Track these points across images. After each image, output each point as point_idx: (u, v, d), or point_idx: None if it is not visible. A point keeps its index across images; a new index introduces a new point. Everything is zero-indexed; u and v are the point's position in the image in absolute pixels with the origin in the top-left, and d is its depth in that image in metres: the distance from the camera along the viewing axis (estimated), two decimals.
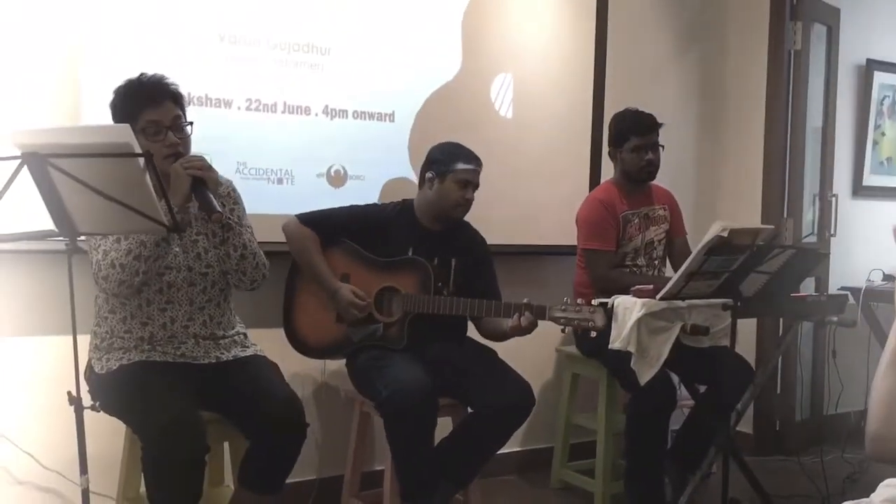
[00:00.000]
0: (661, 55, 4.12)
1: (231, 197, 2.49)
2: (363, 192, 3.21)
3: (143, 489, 2.32)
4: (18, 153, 1.81)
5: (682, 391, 3.35)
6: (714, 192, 4.32)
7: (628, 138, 3.29)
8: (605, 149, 3.47)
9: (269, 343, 2.71)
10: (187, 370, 2.35)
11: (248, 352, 2.50)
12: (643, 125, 3.29)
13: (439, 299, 2.75)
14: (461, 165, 2.83)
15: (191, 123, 2.35)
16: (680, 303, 2.85)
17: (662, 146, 3.34)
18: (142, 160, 1.84)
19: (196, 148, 2.38)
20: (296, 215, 2.87)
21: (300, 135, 3.10)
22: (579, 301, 2.58)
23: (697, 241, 2.67)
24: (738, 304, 2.78)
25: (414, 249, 2.83)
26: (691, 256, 2.64)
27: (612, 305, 2.86)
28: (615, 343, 2.89)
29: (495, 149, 3.48)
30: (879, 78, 4.59)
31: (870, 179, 4.65)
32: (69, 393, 2.01)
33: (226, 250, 2.37)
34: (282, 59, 3.05)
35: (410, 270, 2.81)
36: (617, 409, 3.39)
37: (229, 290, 2.49)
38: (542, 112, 3.67)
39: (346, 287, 2.80)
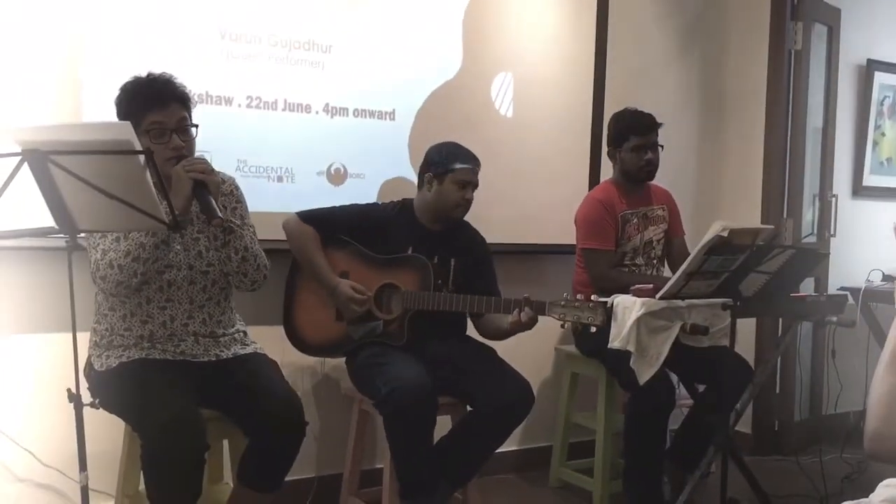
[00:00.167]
0: (662, 55, 4.12)
1: (233, 195, 2.49)
2: (363, 191, 3.21)
3: (142, 486, 2.32)
4: (19, 150, 1.81)
5: (682, 391, 3.35)
6: (714, 191, 4.32)
7: (628, 138, 3.30)
8: (605, 148, 3.48)
9: (269, 341, 2.71)
10: (187, 368, 2.35)
11: (248, 349, 2.50)
12: (643, 125, 3.30)
13: (439, 296, 2.75)
14: (459, 166, 2.83)
15: (196, 126, 2.35)
16: (679, 302, 2.85)
17: (661, 146, 3.34)
18: (142, 158, 1.84)
19: (196, 145, 2.38)
20: (296, 213, 2.87)
21: (300, 133, 3.10)
22: (579, 297, 2.58)
23: (698, 241, 2.67)
24: (738, 303, 2.79)
25: (413, 249, 2.83)
26: (691, 256, 2.65)
27: (612, 304, 2.87)
28: (614, 342, 2.89)
29: (495, 148, 3.48)
30: (880, 78, 4.59)
31: (870, 180, 4.65)
32: (69, 390, 2.01)
33: (227, 253, 2.36)
34: (282, 56, 3.05)
35: (410, 268, 2.81)
36: (616, 409, 3.39)
37: (230, 288, 2.49)
38: (543, 111, 3.67)
39: (345, 283, 2.80)
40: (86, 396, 2.07)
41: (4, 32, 2.59)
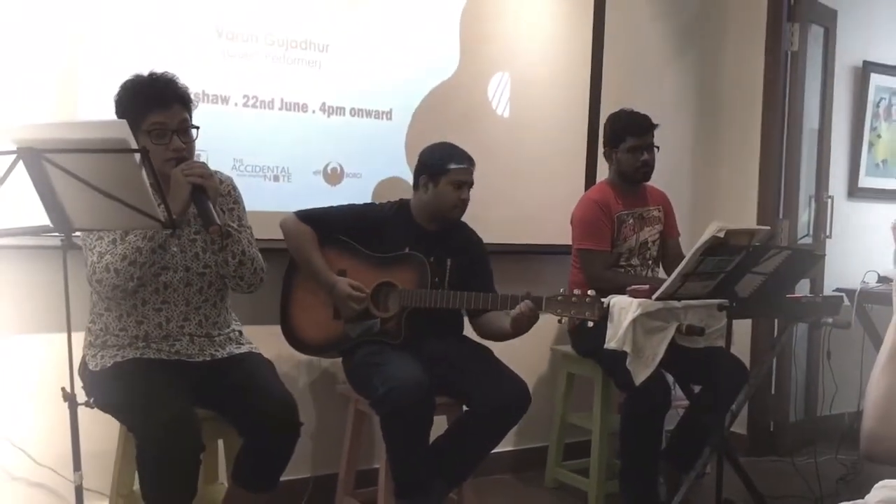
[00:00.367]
0: (658, 56, 4.12)
1: (231, 196, 2.48)
2: (360, 190, 3.21)
3: (136, 486, 2.31)
4: (14, 148, 1.81)
5: (677, 391, 3.35)
6: (710, 192, 4.32)
7: (624, 139, 3.30)
8: (601, 149, 3.48)
9: (265, 340, 2.71)
10: (182, 368, 2.34)
11: (243, 349, 2.49)
12: (639, 126, 3.30)
13: (436, 293, 2.75)
14: (454, 166, 2.83)
15: (197, 128, 2.34)
16: (676, 303, 2.86)
17: (657, 147, 3.34)
18: (138, 156, 1.83)
19: (195, 150, 2.37)
20: (294, 212, 2.87)
21: (297, 132, 3.09)
22: (576, 292, 2.59)
23: (694, 242, 2.67)
24: (734, 304, 2.79)
25: (410, 249, 2.83)
26: (688, 257, 2.65)
27: (609, 305, 2.87)
28: (611, 343, 2.89)
29: (492, 148, 3.48)
30: (876, 80, 4.60)
31: (865, 181, 4.66)
32: (63, 389, 2.01)
33: (224, 257, 2.35)
34: (280, 55, 3.04)
35: (407, 266, 2.81)
36: (612, 409, 3.39)
37: (226, 289, 2.48)
38: (539, 111, 3.67)
39: (343, 281, 2.80)
40: (80, 396, 2.07)
41: (4, 32, 2.58)
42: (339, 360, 2.95)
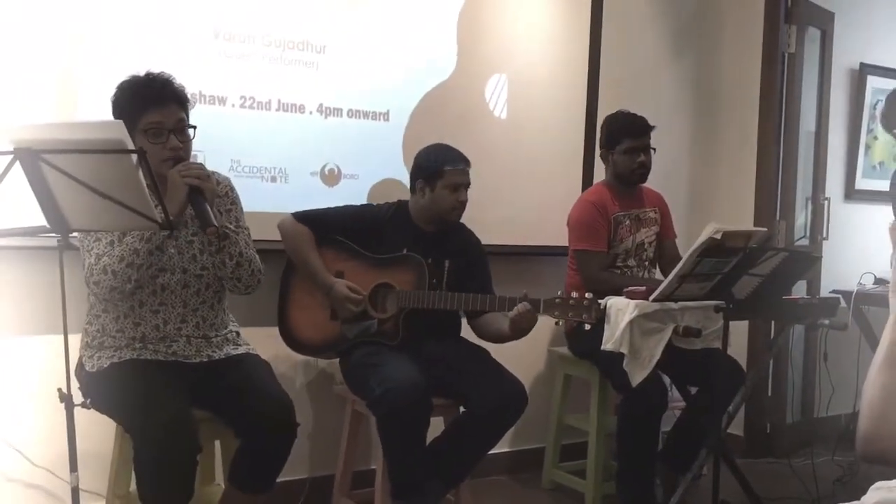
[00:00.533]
0: (656, 57, 4.12)
1: (228, 197, 2.47)
2: (357, 191, 3.21)
3: (133, 487, 2.31)
4: (11, 148, 1.80)
5: (674, 393, 3.36)
6: (707, 194, 4.32)
7: (620, 140, 3.30)
8: (598, 150, 3.48)
9: (262, 342, 2.70)
10: (179, 369, 2.34)
11: (240, 350, 2.49)
12: (636, 127, 3.30)
13: (434, 294, 2.75)
14: (449, 168, 2.82)
15: (194, 127, 2.33)
16: (672, 304, 2.86)
17: (654, 149, 3.35)
18: (135, 157, 1.83)
19: (192, 150, 2.37)
20: (291, 213, 2.87)
21: (294, 133, 3.09)
22: (573, 294, 2.59)
23: (691, 244, 2.67)
24: (731, 306, 2.79)
25: (408, 250, 2.83)
26: (684, 258, 2.65)
27: (605, 306, 2.87)
28: (607, 344, 2.90)
29: (489, 149, 3.48)
30: (872, 82, 4.61)
31: (862, 183, 4.66)
32: (60, 390, 2.00)
33: (221, 259, 2.35)
34: (277, 56, 3.04)
35: (405, 267, 2.81)
36: (609, 411, 3.39)
37: (223, 291, 2.48)
38: (537, 113, 3.67)
39: (341, 282, 2.80)
40: (77, 397, 2.06)
41: (4, 32, 2.58)
42: (337, 360, 2.94)
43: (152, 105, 2.25)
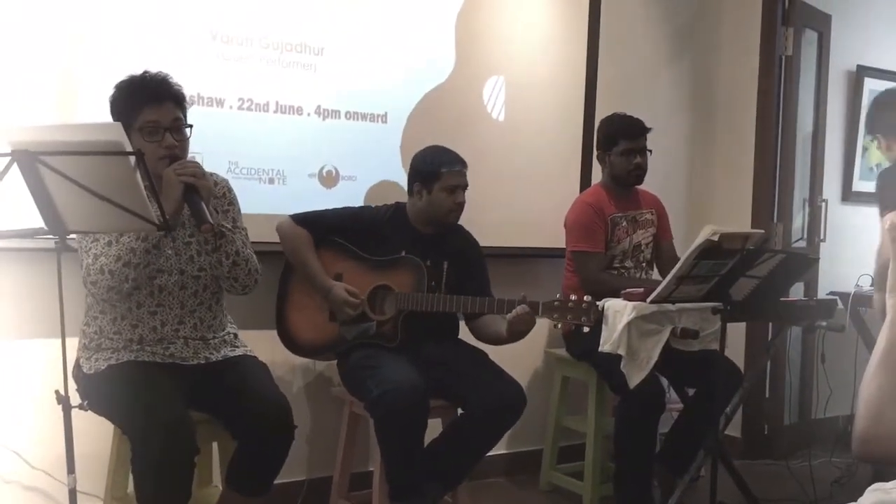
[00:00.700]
0: (653, 60, 4.13)
1: (226, 198, 2.47)
2: (355, 193, 3.21)
3: (130, 489, 2.31)
4: (9, 150, 1.80)
5: (672, 394, 3.36)
6: (705, 196, 4.33)
7: (617, 142, 3.31)
8: (595, 152, 3.49)
9: (260, 345, 2.70)
10: (176, 370, 2.33)
11: (238, 352, 2.48)
12: (632, 129, 3.31)
13: (432, 296, 2.75)
14: (445, 170, 2.82)
15: (190, 126, 2.33)
16: (670, 306, 2.86)
17: (650, 150, 3.36)
18: (132, 159, 1.83)
19: (189, 146, 2.37)
20: (290, 216, 2.87)
21: (292, 135, 3.09)
22: (572, 297, 2.59)
23: (688, 246, 2.68)
24: (728, 308, 2.79)
25: (406, 252, 2.83)
26: (682, 260, 2.65)
27: (603, 308, 2.87)
28: (605, 346, 2.90)
29: (487, 151, 3.49)
30: (870, 84, 4.61)
31: (859, 185, 4.67)
32: (57, 392, 2.00)
33: (217, 257, 2.35)
34: (274, 58, 3.04)
35: (404, 269, 2.81)
36: (606, 412, 3.39)
37: (221, 292, 2.48)
38: (534, 115, 3.68)
39: (339, 285, 2.80)
40: (74, 398, 2.06)
41: (4, 33, 2.58)
42: (334, 363, 2.94)
43: (149, 103, 2.25)
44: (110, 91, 2.32)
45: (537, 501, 3.51)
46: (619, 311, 2.89)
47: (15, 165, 1.82)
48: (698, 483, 3.27)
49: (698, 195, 4.32)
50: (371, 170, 3.28)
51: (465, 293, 2.79)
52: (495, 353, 2.88)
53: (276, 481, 2.39)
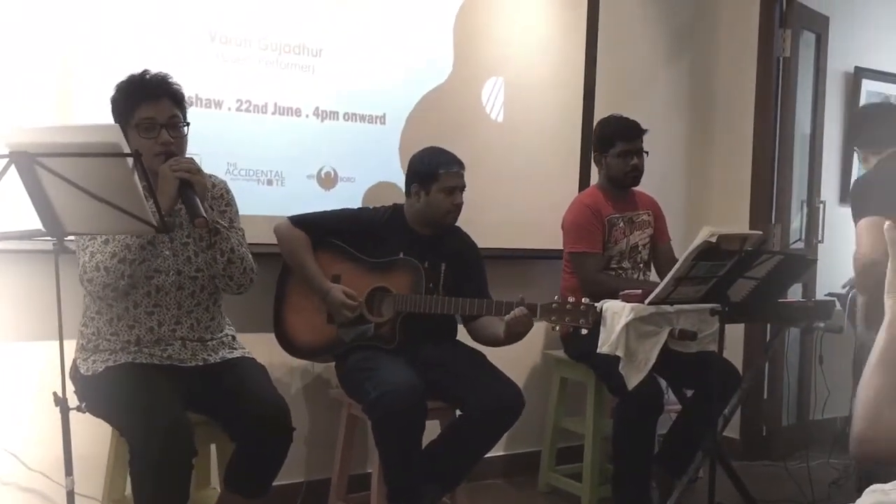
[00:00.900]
0: (651, 61, 4.13)
1: (224, 198, 2.47)
2: (353, 194, 3.21)
3: (128, 491, 2.31)
4: (6, 152, 1.80)
5: (670, 396, 3.36)
6: (703, 197, 4.33)
7: (614, 143, 3.31)
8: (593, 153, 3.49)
9: (258, 346, 2.70)
10: (174, 372, 2.33)
11: (236, 353, 2.48)
12: (629, 131, 3.32)
13: (431, 298, 2.75)
14: (443, 171, 2.82)
15: (188, 124, 2.34)
16: (668, 307, 2.86)
17: (647, 152, 3.36)
18: (130, 160, 1.83)
19: (187, 146, 2.37)
20: (288, 217, 2.87)
21: (291, 136, 3.09)
22: (570, 299, 2.59)
23: (686, 247, 2.68)
24: (726, 309, 2.79)
25: (404, 254, 2.83)
26: (680, 261, 2.65)
27: (601, 310, 2.87)
28: (603, 347, 2.90)
29: (486, 152, 3.49)
30: (867, 86, 4.62)
31: None
32: (55, 394, 2.00)
33: (212, 254, 2.35)
34: (273, 60, 3.04)
35: (402, 271, 2.81)
36: (604, 414, 3.39)
37: (219, 293, 2.47)
38: (533, 116, 3.68)
39: (337, 288, 2.80)
40: (72, 400, 2.06)
41: (3, 33, 2.58)
42: (332, 364, 2.94)
43: (145, 100, 2.26)
44: (109, 92, 2.33)
45: (536, 503, 3.50)
46: (617, 313, 2.89)
47: (13, 167, 1.82)
48: (696, 484, 3.27)
49: (696, 196, 4.32)
50: (369, 171, 3.28)
51: (463, 295, 2.80)
52: (493, 354, 2.88)
53: (274, 483, 2.39)
